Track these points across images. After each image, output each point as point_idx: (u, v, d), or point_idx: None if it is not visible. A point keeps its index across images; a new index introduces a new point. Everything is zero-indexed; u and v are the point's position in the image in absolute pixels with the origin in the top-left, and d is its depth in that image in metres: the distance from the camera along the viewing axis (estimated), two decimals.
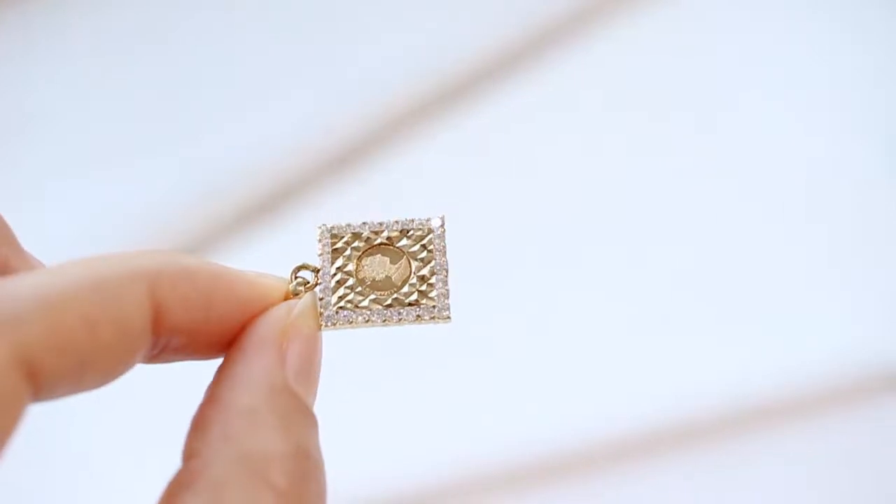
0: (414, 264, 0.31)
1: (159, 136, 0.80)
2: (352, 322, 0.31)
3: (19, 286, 0.25)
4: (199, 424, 0.27)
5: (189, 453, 0.27)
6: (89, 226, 0.77)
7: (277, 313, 0.29)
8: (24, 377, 0.24)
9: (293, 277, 0.31)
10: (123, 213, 0.77)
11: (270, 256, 0.75)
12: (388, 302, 0.31)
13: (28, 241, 0.31)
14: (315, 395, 0.29)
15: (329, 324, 0.31)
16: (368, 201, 0.77)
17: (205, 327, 0.28)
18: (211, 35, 0.83)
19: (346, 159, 0.78)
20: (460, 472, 0.70)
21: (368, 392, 0.71)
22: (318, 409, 0.29)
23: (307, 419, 0.28)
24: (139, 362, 0.28)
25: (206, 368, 0.29)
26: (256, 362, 0.28)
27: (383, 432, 0.71)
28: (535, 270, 0.74)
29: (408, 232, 0.32)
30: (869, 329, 0.72)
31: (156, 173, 0.78)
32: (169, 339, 0.28)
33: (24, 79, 0.81)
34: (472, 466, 0.70)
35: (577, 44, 0.80)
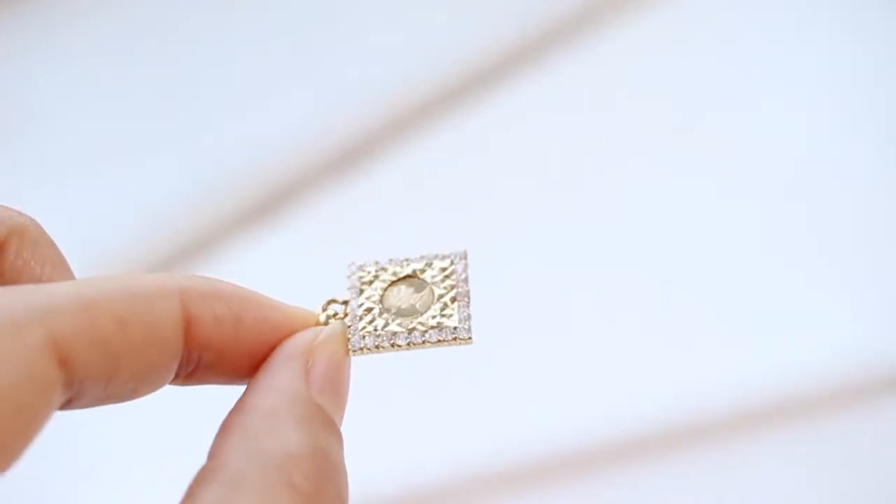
0: (437, 293, 0.33)
1: (159, 137, 0.80)
2: (378, 347, 0.32)
3: (54, 286, 0.26)
4: (223, 429, 0.28)
5: (212, 453, 0.27)
6: (89, 226, 0.77)
7: (305, 335, 0.30)
8: (57, 364, 0.25)
9: (323, 310, 0.33)
10: (123, 214, 0.77)
11: (270, 257, 0.75)
12: (412, 326, 0.32)
13: None
14: (342, 416, 0.30)
15: (357, 348, 0.32)
16: (369, 202, 0.77)
17: (235, 345, 0.29)
18: (210, 35, 0.83)
19: (346, 160, 0.78)
20: (460, 471, 0.70)
21: (367, 393, 0.71)
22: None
23: (330, 428, 0.29)
24: (172, 382, 0.29)
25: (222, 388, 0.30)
26: (279, 374, 0.29)
27: (383, 432, 0.71)
28: (534, 271, 0.74)
29: (431, 264, 0.34)
30: (869, 329, 0.72)
31: (156, 173, 0.78)
32: (200, 355, 0.29)
33: (24, 79, 0.81)
34: (473, 466, 0.70)
35: (580, 44, 0.80)
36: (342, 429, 0.30)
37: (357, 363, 0.31)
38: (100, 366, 0.26)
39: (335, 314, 0.33)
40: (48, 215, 0.79)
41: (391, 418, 0.71)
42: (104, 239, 0.76)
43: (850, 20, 0.81)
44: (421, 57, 0.80)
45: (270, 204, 0.77)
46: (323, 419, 0.29)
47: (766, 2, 0.82)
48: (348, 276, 0.34)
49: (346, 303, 0.33)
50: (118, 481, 0.71)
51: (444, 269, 0.33)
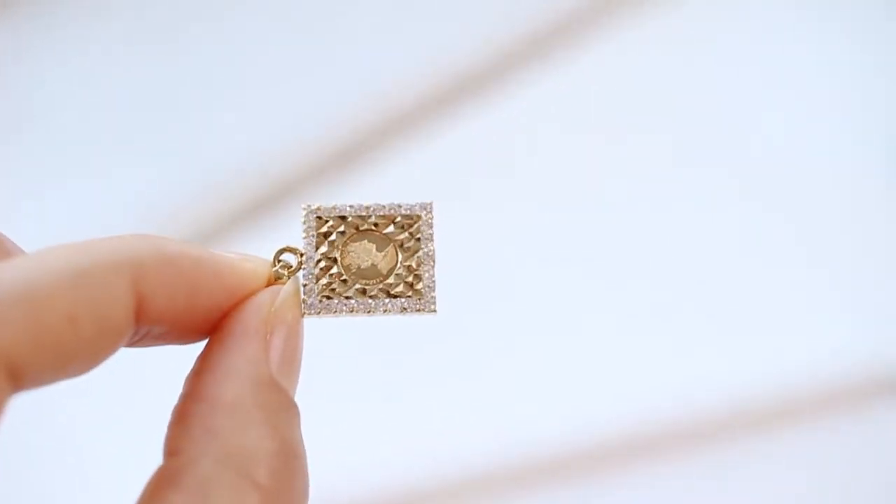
0: (401, 253, 0.31)
1: (160, 134, 0.80)
2: (335, 311, 0.30)
3: (1, 282, 0.25)
4: (182, 419, 0.27)
5: (172, 449, 0.26)
6: (89, 221, 0.77)
7: (260, 302, 0.29)
8: (6, 377, 0.24)
9: (276, 261, 0.30)
10: (123, 209, 0.77)
11: (269, 253, 0.75)
12: (374, 292, 0.30)
13: (27, 234, 0.31)
14: (297, 383, 0.29)
15: (312, 312, 0.30)
16: (368, 198, 0.77)
17: (187, 315, 0.28)
18: (212, 32, 0.83)
19: (345, 157, 0.78)
20: (448, 472, 0.70)
21: (355, 390, 0.71)
22: (303, 408, 0.28)
23: (291, 412, 0.28)
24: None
25: (186, 357, 0.29)
26: (240, 354, 0.28)
27: (370, 431, 0.71)
28: (531, 270, 0.74)
29: (395, 218, 0.31)
30: (867, 332, 0.72)
31: (156, 170, 0.79)
32: (150, 328, 0.28)
33: (27, 76, 0.81)
34: (460, 466, 0.70)
35: (580, 45, 0.80)
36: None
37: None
38: (49, 365, 0.25)
39: (289, 266, 0.30)
40: (47, 210, 0.79)
41: (375, 418, 0.71)
42: (104, 234, 0.76)
43: (850, 20, 0.81)
44: (423, 56, 0.80)
45: (270, 201, 0.77)
46: (284, 403, 0.27)
47: (766, 4, 0.82)
48: (303, 222, 0.31)
49: (301, 254, 0.31)
50: (86, 459, 0.71)
51: (408, 225, 0.31)
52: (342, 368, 0.68)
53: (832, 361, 0.70)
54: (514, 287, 0.73)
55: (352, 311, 0.30)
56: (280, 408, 0.27)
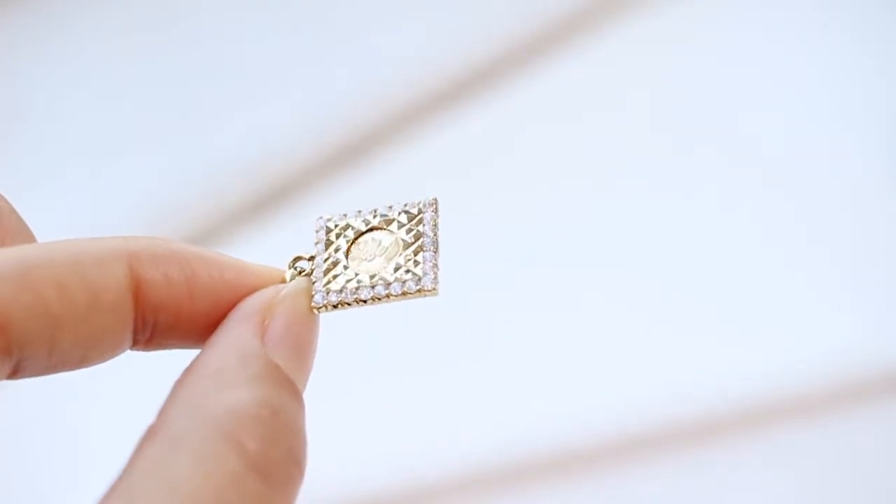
0: (403, 244, 0.32)
1: (160, 132, 0.80)
2: (342, 303, 0.31)
3: None
4: (173, 388, 0.27)
5: (158, 413, 0.27)
6: (90, 218, 0.77)
7: (264, 293, 0.29)
8: None
9: (290, 267, 0.31)
10: (123, 208, 0.77)
11: (271, 252, 0.75)
12: (377, 279, 0.31)
13: None
14: (305, 378, 0.29)
15: (320, 305, 0.31)
16: (369, 198, 0.76)
17: (190, 307, 0.28)
18: (212, 29, 0.83)
19: (347, 156, 0.78)
20: (447, 470, 0.70)
21: (357, 387, 0.71)
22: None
23: (285, 387, 0.27)
24: (132, 348, 0.28)
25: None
26: (232, 332, 0.28)
27: (369, 430, 0.71)
28: (533, 269, 0.74)
29: (399, 214, 0.32)
30: (868, 330, 0.72)
31: (155, 168, 0.79)
32: (155, 319, 0.28)
33: (25, 72, 0.81)
34: (459, 466, 0.70)
35: (581, 43, 0.80)
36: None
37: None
38: (40, 332, 0.25)
39: (302, 271, 0.31)
40: (45, 209, 0.79)
41: (376, 417, 0.71)
42: (104, 232, 0.76)
43: (850, 20, 0.81)
44: (424, 54, 0.80)
45: (271, 200, 0.77)
46: (278, 377, 0.27)
47: (766, 3, 0.82)
48: (316, 231, 0.32)
49: (312, 258, 0.32)
50: (79, 445, 0.71)
51: (411, 219, 0.32)
52: (339, 365, 0.68)
53: (837, 359, 0.70)
54: (516, 283, 0.73)
55: (357, 301, 0.31)
56: (270, 379, 0.27)
